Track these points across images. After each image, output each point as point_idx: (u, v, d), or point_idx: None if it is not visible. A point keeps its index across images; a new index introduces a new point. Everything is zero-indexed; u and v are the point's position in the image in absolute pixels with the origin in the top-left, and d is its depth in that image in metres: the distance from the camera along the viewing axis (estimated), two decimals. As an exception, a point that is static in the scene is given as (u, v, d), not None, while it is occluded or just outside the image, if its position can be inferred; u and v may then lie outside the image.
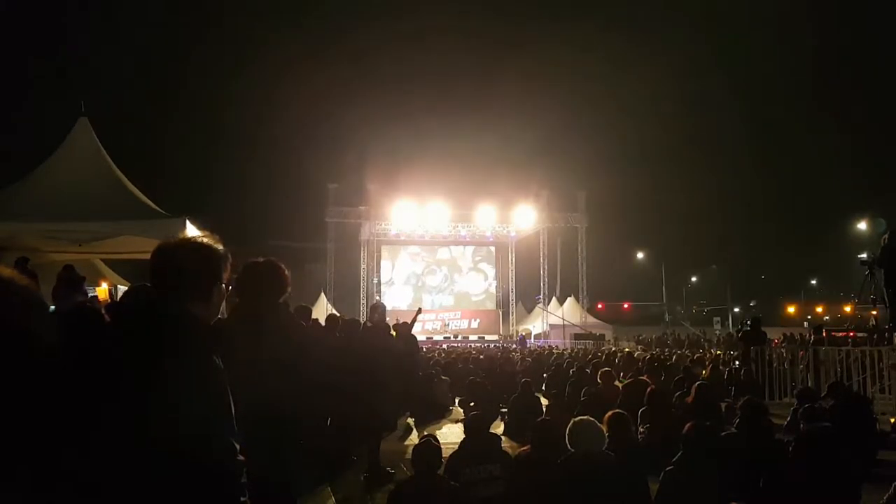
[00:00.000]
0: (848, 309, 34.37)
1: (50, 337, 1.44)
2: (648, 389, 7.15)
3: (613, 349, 23.99)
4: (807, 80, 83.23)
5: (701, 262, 64.48)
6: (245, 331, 2.85)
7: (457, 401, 11.72)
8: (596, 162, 68.04)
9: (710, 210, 70.31)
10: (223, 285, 2.00)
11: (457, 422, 9.97)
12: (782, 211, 73.83)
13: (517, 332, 37.64)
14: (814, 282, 64.66)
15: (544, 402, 9.69)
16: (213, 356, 1.79)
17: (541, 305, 39.51)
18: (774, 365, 11.71)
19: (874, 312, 12.80)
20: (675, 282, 55.03)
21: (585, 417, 4.36)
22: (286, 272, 3.13)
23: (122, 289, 10.07)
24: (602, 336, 34.41)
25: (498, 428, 8.68)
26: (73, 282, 9.33)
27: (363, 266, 39.62)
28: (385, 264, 40.88)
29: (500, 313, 41.43)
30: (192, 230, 9.05)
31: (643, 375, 9.42)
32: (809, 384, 10.14)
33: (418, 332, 11.87)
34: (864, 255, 12.25)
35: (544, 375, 14.22)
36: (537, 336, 36.92)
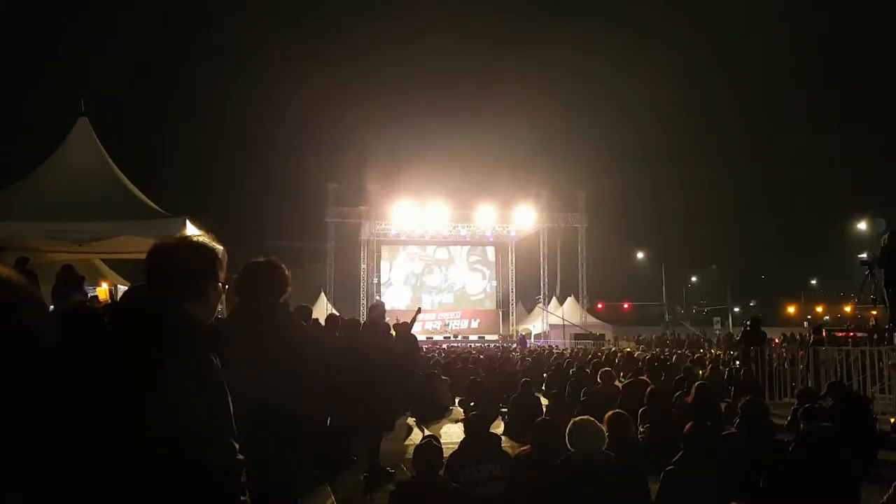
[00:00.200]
0: (848, 309, 34.41)
1: (49, 337, 1.44)
2: (648, 389, 7.15)
3: (613, 349, 23.99)
4: (807, 79, 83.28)
5: (701, 262, 64.56)
6: (245, 331, 2.85)
7: (457, 401, 11.72)
8: (596, 162, 68.12)
9: (710, 210, 70.37)
10: (220, 284, 1.99)
11: (457, 422, 9.97)
12: (782, 211, 73.84)
13: (517, 331, 37.63)
14: (814, 282, 64.71)
15: (544, 402, 9.68)
16: (212, 356, 1.79)
17: (541, 305, 39.51)
18: (774, 365, 11.71)
19: (874, 312, 12.80)
20: (675, 282, 55.10)
21: (585, 417, 4.36)
22: (286, 272, 3.13)
23: (122, 289, 10.08)
24: (602, 336, 34.40)
25: (498, 428, 8.68)
26: (71, 281, 9.35)
27: (363, 266, 39.62)
28: (384, 264, 40.88)
29: (500, 313, 41.43)
30: (192, 230, 9.05)
31: (643, 375, 9.42)
32: (809, 384, 10.14)
33: (418, 331, 11.87)
34: (864, 255, 12.25)
35: (544, 375, 14.21)
36: (537, 336, 36.91)
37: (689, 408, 6.89)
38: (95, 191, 10.87)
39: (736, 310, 53.58)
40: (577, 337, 33.66)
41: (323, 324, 8.09)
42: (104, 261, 13.66)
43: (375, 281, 39.39)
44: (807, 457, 3.98)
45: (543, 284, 39.70)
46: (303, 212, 47.00)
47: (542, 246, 39.70)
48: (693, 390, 7.25)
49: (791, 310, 55.59)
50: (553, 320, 37.20)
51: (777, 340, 21.32)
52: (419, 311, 12.94)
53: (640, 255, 56.64)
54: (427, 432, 9.01)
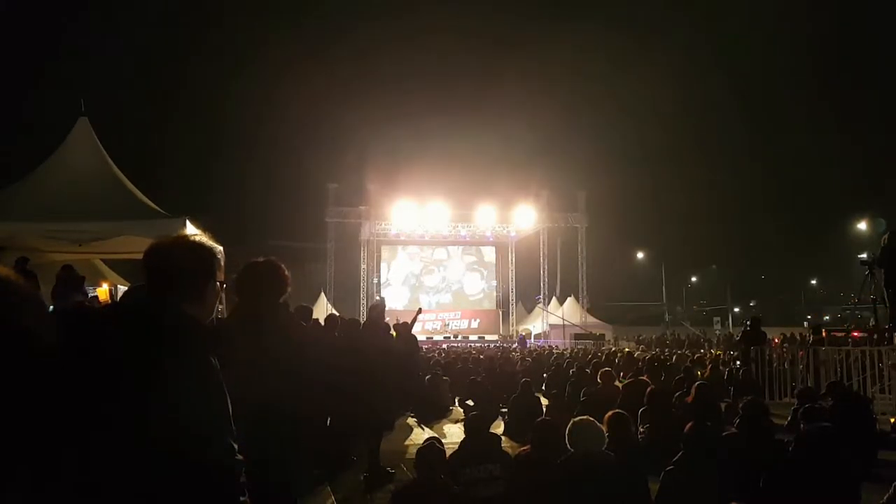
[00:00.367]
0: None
1: (49, 337, 1.44)
2: (648, 389, 7.15)
3: (613, 349, 23.99)
4: (807, 79, 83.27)
5: (701, 262, 64.57)
6: (245, 331, 2.85)
7: (457, 401, 11.72)
8: (596, 162, 68.10)
9: (710, 210, 70.35)
10: (218, 284, 1.99)
11: (457, 422, 9.97)
12: (782, 211, 73.82)
13: (517, 332, 37.63)
14: (814, 282, 64.71)
15: (544, 402, 9.69)
16: (211, 356, 1.79)
17: (541, 305, 39.50)
18: (774, 365, 11.71)
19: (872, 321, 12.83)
20: (675, 282, 55.12)
21: (585, 417, 4.36)
22: (286, 272, 3.13)
23: (122, 289, 10.07)
24: (602, 336, 34.40)
25: (498, 428, 8.68)
26: (72, 282, 9.35)
27: (363, 266, 39.62)
28: (383, 265, 40.87)
29: (500, 313, 41.42)
30: (192, 230, 9.05)
31: (643, 375, 9.42)
32: (809, 384, 10.14)
33: (418, 332, 11.87)
34: (864, 255, 12.26)
35: (544, 375, 14.21)
36: (537, 336, 36.91)
37: (689, 408, 6.89)
38: (95, 191, 10.87)
39: (736, 310, 53.59)
40: (577, 337, 33.64)
41: (323, 324, 8.09)
42: (104, 261, 13.66)
43: (375, 281, 39.39)
44: (807, 457, 3.98)
45: (543, 284, 39.70)
46: (303, 212, 47.03)
47: (542, 246, 39.70)
48: (693, 390, 7.25)
49: (791, 310, 55.54)
50: (553, 320, 37.19)
51: (777, 340, 21.32)
52: (420, 311, 12.94)
53: (640, 255, 56.69)
54: (430, 433, 9.03)
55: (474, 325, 40.36)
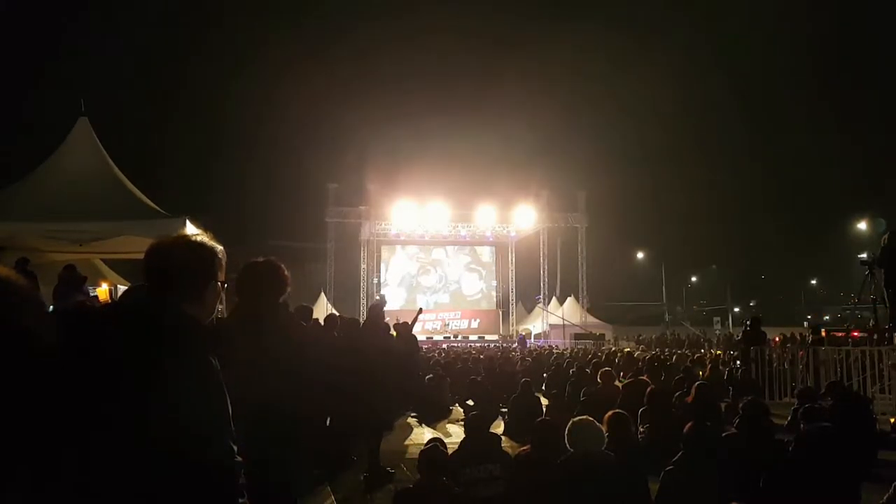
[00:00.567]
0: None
1: (48, 336, 1.44)
2: (648, 389, 7.15)
3: (613, 349, 23.99)
4: (807, 79, 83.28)
5: (701, 262, 64.57)
6: (245, 331, 2.85)
7: (457, 401, 11.72)
8: (596, 162, 68.13)
9: (710, 210, 70.36)
10: (219, 284, 1.99)
11: (457, 422, 9.97)
12: (782, 211, 73.83)
13: (517, 331, 37.62)
14: (814, 282, 64.71)
15: (544, 402, 9.69)
16: (211, 356, 1.79)
17: (541, 305, 39.50)
18: (774, 365, 11.71)
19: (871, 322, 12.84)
20: (675, 282, 55.11)
21: (585, 417, 4.36)
22: (286, 272, 3.13)
23: (122, 289, 10.05)
24: (602, 336, 34.40)
25: (498, 428, 8.68)
26: (73, 281, 9.34)
27: (363, 266, 39.61)
28: (382, 265, 40.85)
29: (500, 313, 41.41)
30: (192, 230, 9.05)
31: (643, 375, 9.42)
32: (809, 384, 10.14)
33: (418, 332, 11.87)
34: (864, 255, 12.27)
35: (544, 375, 14.22)
36: (537, 336, 36.91)
37: (689, 408, 6.89)
38: (95, 191, 10.86)
39: (736, 310, 53.57)
40: (577, 337, 33.65)
41: (323, 324, 8.09)
42: (104, 261, 13.66)
43: (375, 281, 39.38)
44: (807, 457, 3.98)
45: (543, 284, 39.69)
46: (303, 212, 47.05)
47: (542, 246, 39.69)
48: (693, 390, 7.25)
49: (791, 310, 55.55)
50: (553, 320, 37.19)
51: (777, 339, 21.32)
52: (420, 311, 12.93)
53: (640, 255, 56.70)
54: (433, 433, 9.03)
55: (474, 325, 40.35)
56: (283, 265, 3.15)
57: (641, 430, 6.73)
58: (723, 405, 8.33)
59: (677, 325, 46.42)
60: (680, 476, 4.23)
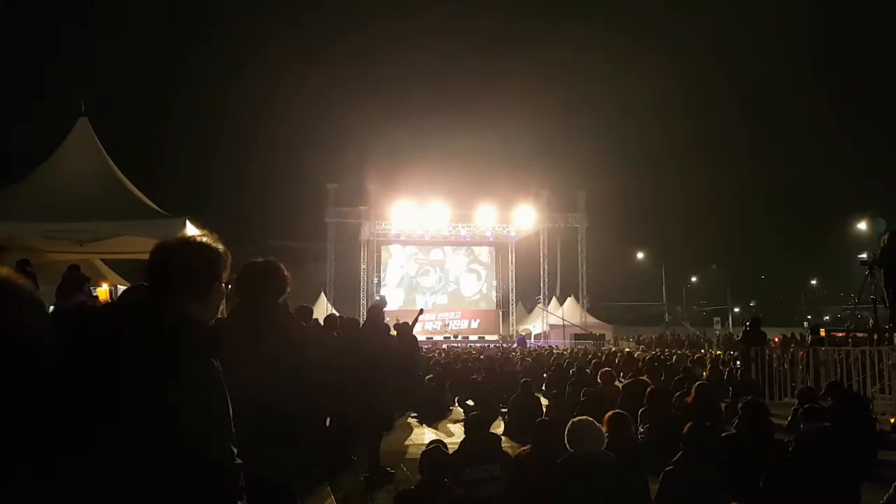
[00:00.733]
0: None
1: (47, 337, 1.44)
2: (648, 389, 7.15)
3: (613, 349, 23.99)
4: (807, 80, 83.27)
5: (701, 262, 64.61)
6: (245, 331, 2.84)
7: (457, 401, 11.72)
8: (596, 162, 68.30)
9: (710, 210, 70.41)
10: (222, 285, 1.99)
11: (457, 422, 9.97)
12: (782, 211, 73.87)
13: (517, 332, 37.61)
14: (814, 282, 64.72)
15: (544, 402, 9.69)
16: (211, 358, 1.79)
17: (541, 305, 39.49)
18: (775, 365, 11.71)
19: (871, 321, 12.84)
20: (675, 282, 55.11)
21: (585, 417, 4.36)
22: (286, 272, 3.13)
23: (122, 289, 10.05)
24: (602, 336, 34.39)
25: (498, 428, 8.68)
26: (75, 281, 9.35)
27: (363, 266, 39.60)
28: (382, 265, 40.84)
29: (500, 313, 41.39)
30: (192, 230, 9.05)
31: (643, 375, 9.42)
32: (809, 384, 10.15)
33: (418, 332, 11.86)
34: (864, 256, 12.28)
35: (544, 375, 14.22)
36: (537, 336, 36.90)
37: (689, 408, 6.90)
38: (95, 191, 10.85)
39: (736, 310, 53.57)
40: (577, 337, 33.65)
41: (323, 324, 8.09)
42: (104, 261, 13.66)
43: (375, 281, 39.37)
44: (807, 457, 3.98)
45: (543, 284, 39.67)
46: (303, 212, 47.13)
47: (542, 246, 39.67)
48: (693, 390, 7.26)
49: (791, 310, 55.58)
50: (553, 320, 37.18)
51: (777, 339, 21.32)
52: (421, 311, 12.92)
53: (640, 255, 56.69)
54: (433, 433, 9.03)
55: (474, 325, 40.34)
56: (282, 265, 3.15)
57: (641, 430, 6.72)
58: (723, 405, 8.34)
59: (677, 325, 46.41)
60: (680, 476, 4.23)
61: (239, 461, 1.80)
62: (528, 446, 5.02)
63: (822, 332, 14.06)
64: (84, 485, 1.58)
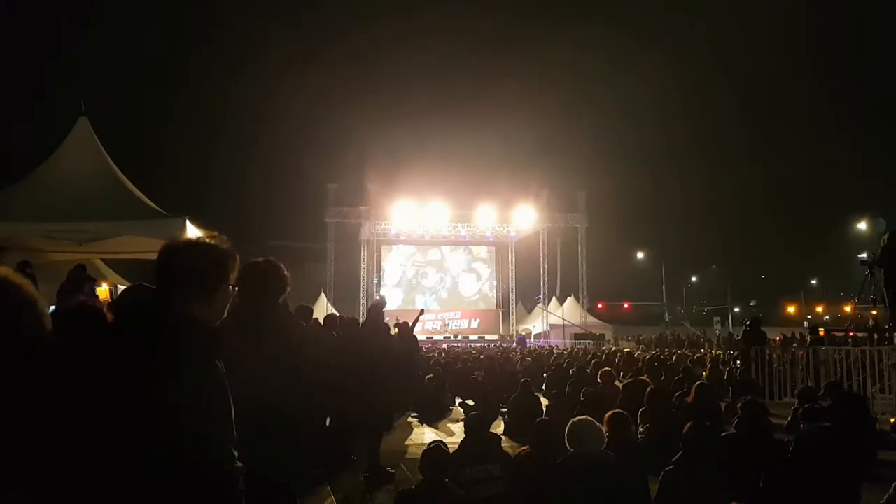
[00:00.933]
0: (848, 309, 34.41)
1: (46, 337, 1.44)
2: (648, 389, 7.15)
3: (613, 349, 23.99)
4: (807, 80, 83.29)
5: (701, 262, 64.61)
6: (245, 331, 2.84)
7: (457, 401, 11.72)
8: (596, 162, 68.32)
9: (710, 210, 70.43)
10: (229, 287, 1.99)
11: (457, 422, 9.97)
12: (782, 211, 73.89)
13: (517, 331, 37.61)
14: (814, 282, 64.73)
15: (544, 402, 9.69)
16: (213, 359, 1.78)
17: (541, 305, 39.49)
18: (775, 365, 11.71)
19: (874, 312, 12.81)
20: (675, 282, 55.10)
21: (585, 417, 4.36)
22: (286, 272, 3.13)
23: (122, 289, 10.04)
24: (602, 336, 34.39)
25: (498, 428, 8.68)
26: (77, 281, 9.34)
27: (363, 266, 39.61)
28: (380, 265, 40.84)
29: (500, 313, 41.39)
30: (192, 230, 9.05)
31: (643, 375, 9.42)
32: (809, 384, 10.14)
33: (418, 332, 11.86)
34: (864, 255, 12.28)
35: (544, 375, 14.21)
36: (537, 336, 36.91)
37: (689, 408, 6.90)
38: (95, 191, 10.84)
39: (736, 310, 53.57)
40: (577, 337, 33.66)
41: (322, 324, 8.08)
42: (104, 261, 13.65)
43: (375, 281, 39.37)
44: (807, 457, 3.98)
45: (543, 284, 39.68)
46: (303, 212, 47.11)
47: (542, 246, 39.69)
48: (693, 390, 7.26)
49: (791, 310, 55.58)
50: (553, 320, 37.19)
51: (777, 339, 21.31)
52: (422, 312, 12.90)
53: (640, 255, 56.71)
54: (433, 433, 9.03)
55: (474, 325, 40.34)
56: (282, 265, 3.15)
57: (641, 430, 6.72)
58: (723, 405, 8.34)
59: (677, 325, 46.40)
60: (680, 476, 4.23)
61: (240, 464, 1.80)
62: (528, 446, 5.02)
63: (822, 332, 14.07)
64: (84, 485, 1.58)
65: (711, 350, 26.16)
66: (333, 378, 5.55)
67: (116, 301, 2.06)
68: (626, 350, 20.46)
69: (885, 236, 10.90)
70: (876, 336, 11.65)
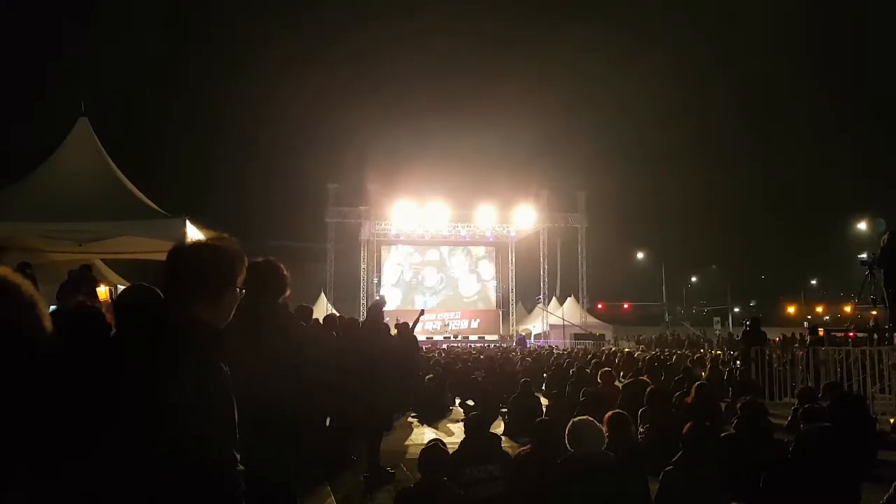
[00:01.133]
0: (848, 309, 34.43)
1: (46, 337, 1.44)
2: (648, 389, 7.15)
3: (613, 349, 23.99)
4: (807, 79, 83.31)
5: (701, 262, 64.62)
6: (245, 331, 2.84)
7: (457, 401, 11.72)
8: (596, 162, 68.27)
9: (710, 210, 70.45)
10: (237, 290, 1.99)
11: (457, 422, 9.97)
12: (782, 211, 73.91)
13: (517, 332, 37.61)
14: (814, 282, 64.74)
15: (544, 402, 9.69)
16: (214, 359, 1.78)
17: (541, 305, 39.49)
18: (775, 365, 11.71)
19: (874, 312, 12.82)
20: (675, 282, 55.12)
21: (585, 417, 4.36)
22: (286, 272, 3.13)
23: (122, 289, 10.03)
24: (602, 336, 34.39)
25: (498, 428, 8.68)
26: (77, 281, 9.33)
27: (363, 266, 39.61)
28: (380, 265, 40.83)
29: (500, 313, 41.37)
30: (192, 230, 9.04)
31: (643, 375, 9.43)
32: (809, 384, 10.14)
33: (418, 332, 11.86)
34: (864, 255, 12.28)
35: (544, 375, 14.22)
36: (537, 336, 36.90)
37: (689, 408, 6.90)
38: (95, 191, 10.84)
39: (736, 310, 53.58)
40: (577, 337, 33.65)
41: (322, 324, 8.08)
42: (104, 261, 13.64)
43: (375, 281, 39.37)
44: (807, 457, 3.98)
45: (543, 284, 39.68)
46: (303, 212, 47.06)
47: (542, 246, 39.68)
48: (693, 390, 7.26)
49: (791, 310, 55.62)
50: (553, 320, 37.18)
51: (777, 340, 21.31)
52: (422, 312, 12.91)
53: (640, 255, 56.73)
54: (433, 433, 9.03)
55: (474, 325, 40.33)
56: (282, 265, 3.15)
57: (641, 430, 6.72)
58: (723, 405, 8.34)
59: (677, 325, 46.41)
60: (680, 476, 4.23)
61: (241, 467, 1.79)
62: (528, 446, 5.02)
63: (822, 332, 14.06)
64: (84, 485, 1.58)
65: (711, 350, 26.16)
66: (333, 378, 5.55)
67: (116, 301, 2.06)
68: (626, 350, 20.47)
69: (885, 236, 10.90)
70: (876, 336, 11.64)
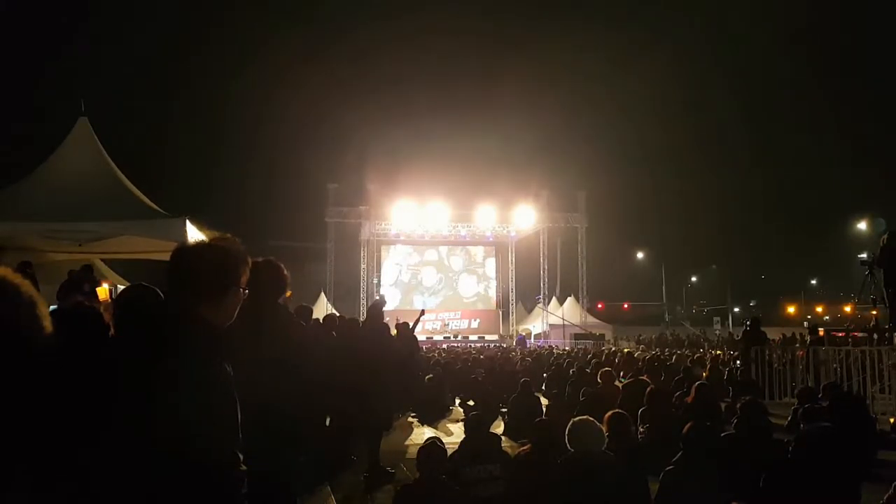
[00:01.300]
0: (848, 309, 34.43)
1: (46, 337, 1.44)
2: (648, 389, 7.15)
3: (613, 349, 23.98)
4: (807, 79, 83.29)
5: (701, 262, 64.62)
6: (245, 331, 2.84)
7: (457, 401, 11.72)
8: (596, 162, 68.19)
9: (710, 210, 70.46)
10: (240, 290, 1.99)
11: (457, 422, 9.97)
12: (782, 211, 73.93)
13: (517, 332, 37.61)
14: (814, 282, 64.75)
15: (544, 402, 9.69)
16: (214, 360, 1.78)
17: (541, 305, 39.49)
18: (775, 365, 11.71)
19: (874, 312, 12.81)
20: (675, 282, 55.15)
21: (585, 417, 4.36)
22: (285, 272, 3.14)
23: (122, 289, 10.02)
24: (602, 336, 34.39)
25: (498, 428, 8.68)
26: (78, 282, 9.33)
27: (363, 266, 39.61)
28: (380, 265, 40.83)
29: (500, 313, 41.36)
30: (192, 230, 9.04)
31: (643, 375, 9.42)
32: (809, 384, 10.14)
33: (418, 332, 11.86)
34: (864, 255, 12.28)
35: (544, 375, 14.21)
36: (537, 336, 36.90)
37: (689, 408, 6.90)
38: (95, 191, 10.84)
39: (736, 310, 53.59)
40: (577, 337, 33.65)
41: (322, 324, 8.08)
42: (104, 261, 13.65)
43: (375, 281, 39.37)
44: (807, 457, 3.98)
45: (543, 284, 39.68)
46: (303, 212, 47.06)
47: (542, 246, 39.68)
48: (693, 390, 7.26)
49: (791, 310, 55.62)
50: (553, 320, 37.19)
51: (777, 340, 21.31)
52: (423, 312, 12.91)
53: (640, 255, 56.75)
54: (433, 433, 9.02)
55: (474, 325, 40.32)
56: (282, 265, 3.15)
57: (641, 430, 6.73)
58: (723, 405, 8.34)
59: (677, 325, 46.41)
60: (680, 476, 4.23)
61: (244, 468, 1.79)
62: (528, 446, 5.02)
63: (822, 332, 14.06)
64: (84, 485, 1.58)
65: (711, 350, 26.16)
66: (333, 378, 5.55)
67: (116, 301, 2.06)
68: (625, 350, 20.46)
69: (885, 236, 10.89)
70: (876, 336, 11.64)
